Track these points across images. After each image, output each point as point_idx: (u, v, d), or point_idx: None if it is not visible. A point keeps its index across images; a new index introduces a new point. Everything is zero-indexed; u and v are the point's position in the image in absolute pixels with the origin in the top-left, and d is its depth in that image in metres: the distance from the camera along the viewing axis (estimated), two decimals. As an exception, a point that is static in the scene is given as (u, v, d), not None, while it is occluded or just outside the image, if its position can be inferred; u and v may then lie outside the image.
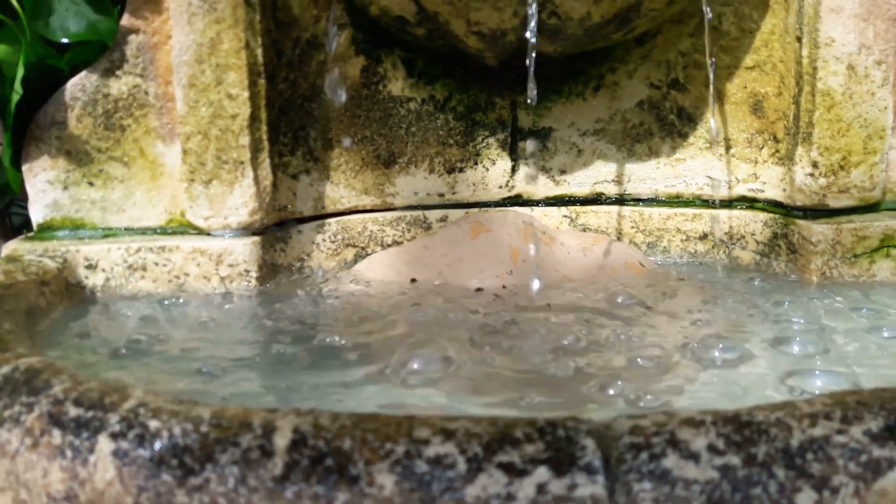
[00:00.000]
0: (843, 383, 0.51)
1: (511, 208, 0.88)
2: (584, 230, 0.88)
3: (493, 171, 0.90)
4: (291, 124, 0.83)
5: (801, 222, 0.76)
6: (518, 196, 0.90)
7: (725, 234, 0.84)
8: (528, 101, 0.71)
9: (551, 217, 0.89)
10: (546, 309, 0.71)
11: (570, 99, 0.88)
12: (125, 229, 0.78)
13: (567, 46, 0.76)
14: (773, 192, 0.81)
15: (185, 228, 0.78)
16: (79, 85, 0.76)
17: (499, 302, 0.73)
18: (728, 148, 0.84)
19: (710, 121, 0.81)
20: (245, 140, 0.75)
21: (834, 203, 0.76)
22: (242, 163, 0.75)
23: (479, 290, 0.77)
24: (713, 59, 0.78)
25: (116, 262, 0.75)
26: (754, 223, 0.82)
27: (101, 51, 0.76)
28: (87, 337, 0.65)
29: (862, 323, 0.65)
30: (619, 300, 0.73)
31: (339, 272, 0.84)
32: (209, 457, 0.33)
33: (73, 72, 0.77)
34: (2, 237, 0.99)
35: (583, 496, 0.30)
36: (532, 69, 0.64)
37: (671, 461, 0.30)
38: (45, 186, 0.77)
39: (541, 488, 0.30)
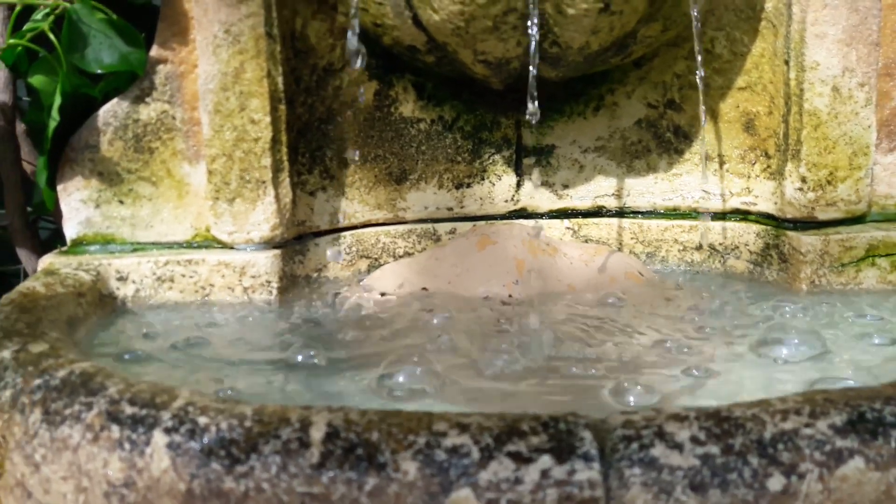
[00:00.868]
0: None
1: (516, 221, 0.93)
2: (587, 241, 0.93)
3: (499, 186, 0.95)
4: (309, 145, 0.88)
5: (791, 234, 0.81)
6: (523, 209, 0.95)
7: (720, 244, 0.88)
8: (528, 117, 0.75)
9: (555, 229, 0.94)
10: (550, 316, 0.75)
11: (572, 118, 0.93)
12: (153, 244, 0.83)
13: (568, 72, 0.81)
14: (765, 205, 0.85)
15: (209, 242, 0.82)
16: (111, 111, 0.81)
17: (506, 309, 0.78)
18: (722, 163, 0.88)
19: (702, 139, 0.86)
20: (267, 161, 0.80)
21: (822, 216, 0.80)
22: (264, 182, 0.80)
23: (486, 298, 0.81)
24: (701, 74, 0.82)
25: (146, 275, 0.80)
26: (748, 234, 0.86)
27: (131, 79, 0.81)
28: (123, 342, 0.70)
29: (849, 328, 0.69)
30: (616, 306, 0.77)
31: (354, 282, 0.89)
32: (254, 447, 0.37)
33: (105, 99, 0.82)
34: (31, 249, 1.04)
35: (580, 480, 0.34)
36: (534, 93, 0.69)
37: (658, 450, 0.35)
38: (78, 205, 0.82)
39: (544, 473, 0.34)
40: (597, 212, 0.93)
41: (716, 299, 0.79)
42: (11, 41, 0.78)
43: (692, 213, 0.90)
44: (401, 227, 0.93)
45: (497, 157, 0.94)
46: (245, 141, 0.80)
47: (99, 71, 0.78)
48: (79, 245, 0.82)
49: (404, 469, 0.35)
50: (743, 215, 0.87)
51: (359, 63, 0.75)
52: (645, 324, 0.73)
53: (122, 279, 0.79)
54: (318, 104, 0.88)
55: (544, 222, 0.93)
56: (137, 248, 0.82)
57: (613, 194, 0.93)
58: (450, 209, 0.94)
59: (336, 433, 0.37)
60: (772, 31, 0.82)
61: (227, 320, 0.76)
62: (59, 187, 0.82)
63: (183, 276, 0.80)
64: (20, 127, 0.98)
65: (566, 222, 0.94)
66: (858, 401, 0.38)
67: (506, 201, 0.95)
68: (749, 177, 0.87)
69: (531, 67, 0.66)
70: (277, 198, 0.81)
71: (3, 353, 0.53)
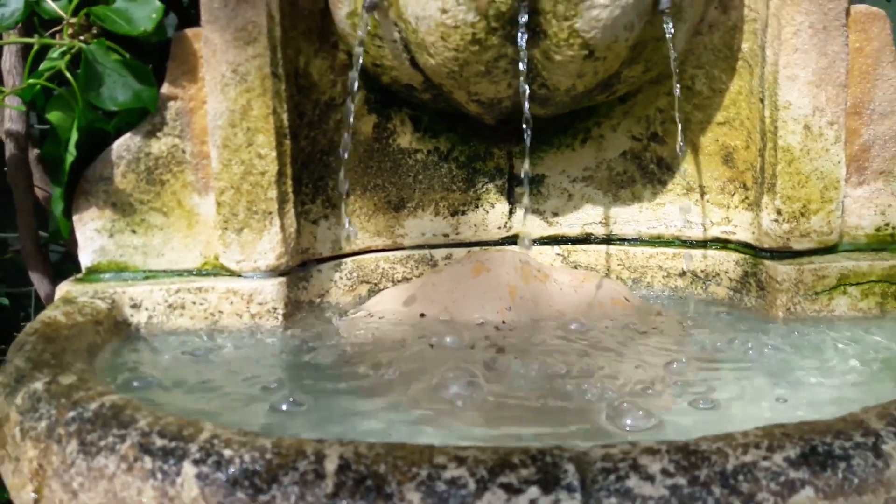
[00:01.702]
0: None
1: (509, 247, 0.97)
2: (576, 267, 0.98)
3: (493, 214, 0.99)
4: (312, 176, 0.92)
5: (767, 262, 0.86)
6: (515, 236, 1.00)
7: (702, 271, 0.93)
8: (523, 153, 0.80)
9: (545, 255, 0.98)
10: (541, 342, 0.80)
11: (561, 149, 0.98)
12: (164, 271, 0.87)
13: (556, 110, 0.85)
14: (744, 235, 0.90)
15: (218, 270, 0.87)
16: (124, 145, 0.85)
17: (499, 335, 0.83)
18: (703, 194, 0.93)
19: (682, 170, 0.91)
20: (273, 194, 0.84)
21: (797, 246, 0.85)
22: (270, 213, 0.85)
23: (481, 324, 0.86)
24: (679, 115, 0.87)
25: (158, 302, 0.84)
26: (727, 262, 0.91)
27: (143, 115, 0.85)
28: (138, 369, 0.74)
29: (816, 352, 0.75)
30: (603, 332, 0.82)
31: (355, 306, 0.93)
32: (274, 478, 0.42)
33: (119, 133, 0.86)
34: (43, 273, 1.08)
35: (565, 508, 0.39)
36: (527, 145, 0.74)
37: (633, 482, 0.40)
38: (92, 234, 0.86)
39: (532, 503, 0.39)
40: (585, 239, 0.98)
41: (697, 324, 0.84)
42: (31, 80, 0.82)
43: (675, 241, 0.95)
44: (399, 253, 0.98)
45: (490, 185, 0.99)
46: (252, 174, 0.84)
47: (113, 108, 0.82)
48: (94, 273, 0.87)
49: (409, 499, 0.40)
50: (723, 244, 0.92)
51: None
52: (631, 347, 0.78)
53: (135, 306, 0.83)
54: (320, 137, 0.92)
55: (535, 248, 0.98)
56: (149, 275, 0.87)
57: (601, 222, 0.98)
58: (446, 235, 0.99)
59: (348, 465, 0.42)
60: (748, 71, 0.87)
61: (234, 346, 0.81)
62: (75, 217, 0.86)
63: (193, 303, 0.84)
64: (32, 153, 1.02)
65: (556, 248, 0.98)
66: (811, 435, 0.43)
67: (499, 228, 1.00)
68: (728, 207, 0.92)
69: (525, 111, 0.71)
70: (283, 228, 0.86)
71: (36, 385, 0.57)
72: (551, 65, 0.76)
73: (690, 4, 0.80)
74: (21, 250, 1.07)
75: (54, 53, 0.85)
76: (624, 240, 0.97)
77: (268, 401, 0.66)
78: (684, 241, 0.94)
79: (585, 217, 0.98)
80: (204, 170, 0.86)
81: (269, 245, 0.85)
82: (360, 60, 0.80)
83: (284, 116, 0.85)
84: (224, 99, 0.83)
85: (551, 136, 0.97)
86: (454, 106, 0.87)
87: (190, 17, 1.13)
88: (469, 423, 0.62)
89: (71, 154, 0.83)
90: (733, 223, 0.91)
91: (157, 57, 0.93)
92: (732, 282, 0.90)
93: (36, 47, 0.84)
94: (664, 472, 0.40)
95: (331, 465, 0.42)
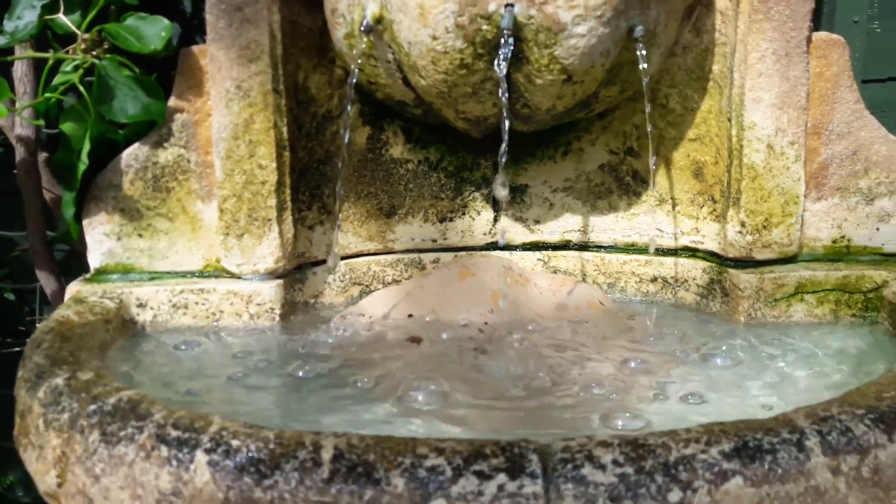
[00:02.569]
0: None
1: (493, 253, 1.04)
2: (555, 272, 1.04)
3: (479, 221, 1.06)
4: (309, 184, 0.98)
5: (732, 271, 0.92)
6: (502, 239, 1.06)
7: (672, 277, 1.00)
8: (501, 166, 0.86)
9: (527, 260, 1.05)
10: (519, 343, 0.87)
11: (543, 161, 1.04)
12: (168, 273, 0.93)
13: (538, 126, 0.92)
14: (711, 245, 0.97)
15: (219, 273, 0.93)
16: (132, 154, 0.91)
17: (482, 336, 0.89)
18: (674, 205, 1.00)
19: (651, 184, 0.97)
20: (272, 202, 0.90)
21: (759, 256, 0.92)
22: (270, 220, 0.90)
23: (465, 325, 0.92)
24: (651, 129, 0.93)
25: (163, 302, 0.90)
26: (695, 270, 0.97)
27: (151, 126, 0.91)
28: (146, 364, 0.80)
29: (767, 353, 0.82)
30: (578, 332, 0.89)
31: (347, 307, 0.99)
32: (277, 465, 0.48)
33: (128, 143, 0.92)
34: (50, 271, 1.14)
35: (527, 493, 0.45)
36: (502, 161, 0.80)
37: (587, 470, 0.46)
38: (101, 238, 0.92)
39: (500, 487, 0.45)
40: (564, 245, 1.04)
41: (665, 327, 0.90)
42: (47, 94, 0.88)
43: (647, 249, 1.01)
44: (390, 257, 1.04)
45: (476, 194, 1.05)
46: (253, 184, 0.90)
47: (124, 121, 0.88)
48: (102, 273, 0.92)
49: (394, 484, 0.46)
50: (692, 252, 0.99)
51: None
52: (601, 348, 0.84)
53: (141, 306, 0.89)
54: (317, 147, 0.98)
55: (518, 254, 1.04)
56: (154, 276, 0.92)
57: (579, 230, 1.04)
58: (434, 241, 1.05)
59: (342, 454, 0.48)
60: (718, 91, 0.94)
61: (234, 344, 0.87)
62: (85, 221, 0.92)
63: (196, 303, 0.90)
64: (41, 157, 1.08)
65: (538, 254, 1.05)
66: (745, 431, 0.50)
67: (484, 234, 1.06)
68: (698, 218, 0.98)
69: (503, 131, 0.77)
70: (281, 234, 0.91)
71: (57, 380, 0.63)
72: (533, 87, 0.82)
73: (664, 30, 0.86)
74: (29, 249, 1.13)
75: (67, 67, 0.91)
76: (600, 247, 1.03)
77: (257, 393, 0.73)
78: (656, 249, 1.00)
79: (565, 225, 1.05)
80: (207, 178, 0.92)
81: (267, 250, 0.91)
82: (356, 79, 0.86)
83: (284, 129, 0.90)
84: (228, 113, 0.88)
85: (534, 149, 1.03)
86: (443, 121, 0.93)
87: (193, 27, 1.18)
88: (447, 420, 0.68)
89: (83, 163, 0.88)
90: (702, 233, 0.98)
91: (161, 65, 0.98)
92: (700, 288, 0.97)
93: (51, 61, 0.89)
94: (615, 462, 0.46)
95: (326, 455, 0.48)
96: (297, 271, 0.97)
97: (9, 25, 0.90)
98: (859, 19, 1.16)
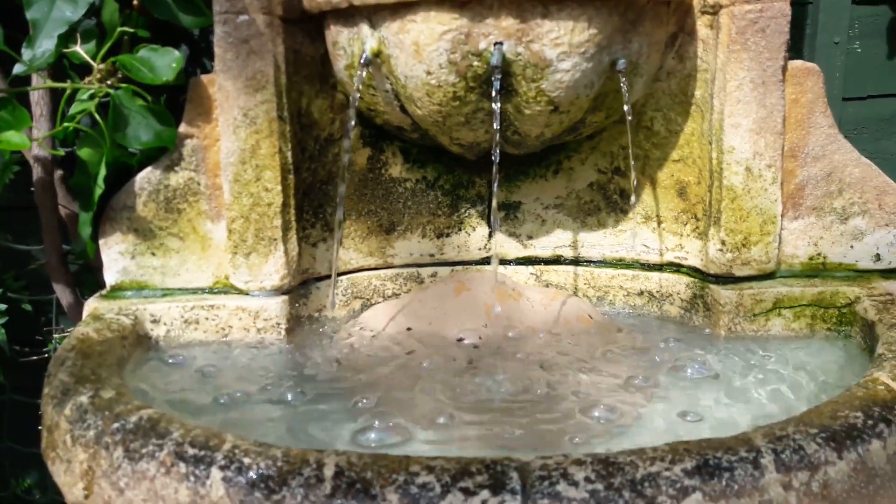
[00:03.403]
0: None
1: (488, 267, 1.09)
2: (547, 286, 1.09)
3: (474, 236, 1.11)
4: (312, 203, 1.03)
5: (713, 287, 0.97)
6: (495, 255, 1.11)
7: (657, 291, 1.05)
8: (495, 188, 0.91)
9: (520, 274, 1.10)
10: (511, 355, 0.92)
11: (535, 179, 1.09)
12: (180, 289, 0.98)
13: (528, 150, 0.97)
14: (694, 261, 1.02)
15: (228, 289, 0.98)
16: (145, 178, 0.96)
17: (475, 351, 0.94)
18: (660, 223, 1.05)
19: (632, 198, 1.02)
20: (278, 222, 0.95)
21: (738, 272, 0.97)
22: (275, 240, 0.96)
23: (460, 339, 0.98)
24: (633, 162, 0.98)
25: (175, 317, 0.95)
26: (679, 284, 1.03)
27: (163, 150, 0.96)
28: (161, 379, 0.86)
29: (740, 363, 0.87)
30: (569, 344, 0.94)
31: (349, 320, 1.04)
32: (284, 482, 0.53)
33: (141, 166, 0.97)
34: (65, 283, 1.19)
35: (508, 507, 0.51)
36: (494, 189, 0.85)
37: (561, 486, 0.51)
38: (116, 256, 0.97)
39: (483, 503, 0.50)
40: (556, 260, 1.10)
41: (650, 339, 0.96)
42: (66, 124, 0.93)
43: (635, 264, 1.06)
44: (390, 272, 1.09)
45: (472, 211, 1.10)
46: (259, 205, 0.95)
47: (138, 147, 0.93)
48: (117, 290, 0.98)
49: (389, 499, 0.51)
50: (676, 268, 1.04)
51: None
52: (589, 359, 0.90)
53: (155, 321, 0.94)
54: (320, 169, 1.03)
55: (512, 268, 1.10)
56: (167, 293, 0.98)
57: (570, 245, 1.09)
58: (432, 255, 1.10)
59: (342, 472, 0.53)
60: (700, 115, 0.98)
61: (243, 357, 0.92)
62: (101, 241, 0.97)
63: (206, 318, 0.96)
64: (56, 174, 1.13)
65: (530, 268, 1.10)
66: (707, 450, 0.55)
67: (479, 249, 1.11)
68: (682, 235, 1.03)
69: (494, 158, 0.82)
70: (286, 252, 0.97)
71: (81, 399, 0.68)
72: (522, 117, 0.87)
73: (646, 61, 0.91)
74: (46, 263, 1.18)
75: (84, 95, 0.96)
76: (590, 261, 1.09)
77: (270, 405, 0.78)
78: (643, 265, 1.06)
79: (557, 240, 1.10)
80: (216, 200, 0.97)
81: (273, 268, 0.96)
82: (356, 106, 0.91)
83: (289, 154, 0.95)
84: (236, 139, 0.93)
85: (527, 167, 1.08)
86: (438, 145, 0.98)
87: (201, 49, 1.23)
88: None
89: (100, 187, 0.94)
90: (685, 250, 1.03)
91: (169, 88, 1.03)
92: (683, 302, 1.02)
93: (68, 91, 0.95)
94: (587, 479, 0.52)
95: (328, 472, 0.53)
96: (301, 287, 1.02)
97: (27, 54, 0.95)
98: (840, 40, 1.20)
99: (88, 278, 1.24)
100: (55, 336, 1.27)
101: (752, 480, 0.53)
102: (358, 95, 0.90)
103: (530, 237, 1.10)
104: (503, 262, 1.10)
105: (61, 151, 1.00)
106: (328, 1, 0.87)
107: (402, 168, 1.08)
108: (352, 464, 0.54)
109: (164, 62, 0.92)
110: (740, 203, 0.95)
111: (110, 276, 0.98)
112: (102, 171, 0.93)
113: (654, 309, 1.05)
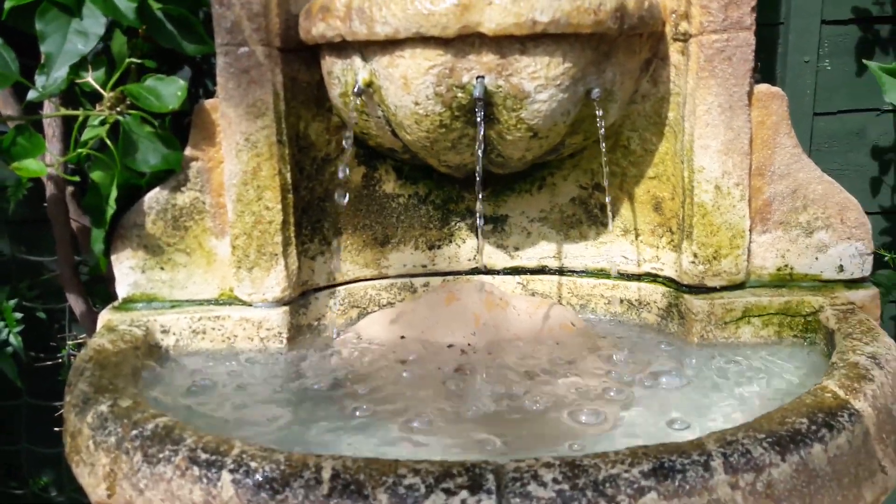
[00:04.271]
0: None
1: (477, 277, 1.15)
2: (533, 295, 1.16)
3: (464, 248, 1.17)
4: (310, 219, 1.10)
5: (687, 296, 1.04)
6: (483, 266, 1.18)
7: (636, 300, 1.11)
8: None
9: (508, 284, 1.16)
10: (498, 362, 0.99)
11: (521, 194, 1.15)
12: (187, 301, 1.05)
13: (512, 170, 1.03)
14: (669, 272, 1.08)
15: (232, 301, 1.05)
16: (154, 198, 1.02)
17: (464, 357, 1.01)
18: (637, 235, 1.11)
19: (609, 214, 1.09)
20: (278, 239, 1.02)
21: (710, 283, 1.03)
22: (276, 255, 1.02)
23: (450, 346, 1.04)
24: (607, 182, 1.05)
25: (183, 328, 1.02)
26: (656, 294, 1.09)
27: (170, 172, 1.02)
28: (173, 384, 0.93)
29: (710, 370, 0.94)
30: (554, 349, 1.01)
31: (346, 328, 1.11)
32: (287, 483, 0.60)
33: (149, 187, 1.04)
34: (78, 293, 1.26)
35: (485, 505, 0.57)
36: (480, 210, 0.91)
37: (532, 487, 0.58)
38: (127, 271, 1.04)
39: (462, 502, 0.57)
40: (541, 270, 1.16)
41: (628, 345, 1.03)
42: (79, 150, 1.00)
43: (615, 274, 1.13)
44: (384, 282, 1.16)
45: (462, 224, 1.17)
46: (261, 223, 1.02)
47: (147, 170, 0.99)
48: (129, 302, 1.05)
49: (379, 499, 0.58)
50: (653, 278, 1.10)
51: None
52: (572, 365, 0.97)
53: (164, 332, 1.01)
54: (317, 187, 1.10)
55: (500, 278, 1.16)
56: (175, 304, 1.05)
57: (554, 256, 1.16)
58: (424, 266, 1.17)
59: (338, 474, 0.60)
60: (673, 135, 1.05)
61: (247, 365, 0.99)
62: (112, 256, 1.04)
63: (213, 328, 1.02)
64: (68, 189, 1.20)
65: (517, 278, 1.16)
66: (664, 454, 0.61)
67: (469, 260, 1.17)
68: (658, 247, 1.10)
69: (477, 180, 0.89)
70: (286, 266, 1.03)
71: (101, 407, 0.75)
72: (504, 142, 0.94)
73: (620, 88, 0.97)
74: (59, 275, 1.25)
75: (95, 121, 1.03)
76: (573, 272, 1.15)
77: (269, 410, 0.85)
78: (622, 275, 1.12)
79: (542, 252, 1.16)
80: (220, 217, 1.04)
81: (275, 281, 1.03)
82: (351, 132, 0.97)
83: (288, 175, 1.02)
84: (238, 162, 1.00)
85: (513, 183, 1.15)
86: (428, 166, 1.05)
87: (202, 71, 1.30)
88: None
89: (111, 207, 1.00)
90: (661, 261, 1.09)
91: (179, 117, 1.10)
92: (660, 310, 1.09)
93: (81, 118, 1.01)
94: (555, 479, 0.58)
95: (326, 474, 0.60)
96: (301, 297, 1.09)
97: (40, 80, 1.02)
98: (810, 59, 1.27)
99: (99, 288, 1.31)
100: (68, 343, 1.34)
101: (702, 481, 0.60)
102: (354, 122, 0.97)
103: (517, 249, 1.17)
104: (492, 272, 1.17)
105: (76, 178, 1.07)
106: (322, 35, 0.93)
107: (395, 184, 1.14)
108: (347, 467, 0.61)
109: (170, 91, 0.98)
110: (710, 219, 1.01)
111: (122, 289, 1.05)
112: (114, 193, 1.00)
113: (633, 316, 1.12)
